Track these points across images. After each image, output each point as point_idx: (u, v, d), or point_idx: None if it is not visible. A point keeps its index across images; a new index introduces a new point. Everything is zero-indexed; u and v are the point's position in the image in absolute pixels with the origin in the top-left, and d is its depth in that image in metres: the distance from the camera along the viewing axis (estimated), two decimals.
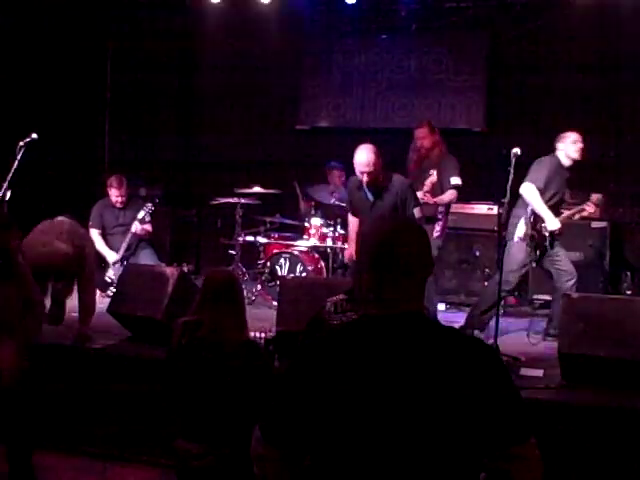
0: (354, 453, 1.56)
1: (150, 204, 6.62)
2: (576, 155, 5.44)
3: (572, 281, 5.32)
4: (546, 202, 5.38)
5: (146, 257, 6.63)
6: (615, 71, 7.20)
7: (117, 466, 4.39)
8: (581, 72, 7.31)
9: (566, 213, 5.57)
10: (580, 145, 5.43)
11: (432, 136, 5.90)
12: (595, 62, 7.28)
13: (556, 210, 5.45)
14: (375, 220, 1.78)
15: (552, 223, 5.35)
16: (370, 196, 4.99)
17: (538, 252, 5.40)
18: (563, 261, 5.45)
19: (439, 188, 5.67)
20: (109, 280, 6.43)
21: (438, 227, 5.72)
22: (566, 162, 5.46)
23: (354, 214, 5.22)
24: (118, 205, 6.69)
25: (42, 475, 3.74)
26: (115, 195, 6.63)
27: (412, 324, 1.62)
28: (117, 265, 6.42)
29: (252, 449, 1.73)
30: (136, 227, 6.55)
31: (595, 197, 5.69)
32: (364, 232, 1.75)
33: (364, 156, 4.86)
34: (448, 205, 5.83)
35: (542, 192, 5.38)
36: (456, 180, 5.72)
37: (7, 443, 3.56)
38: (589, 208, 5.53)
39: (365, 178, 4.87)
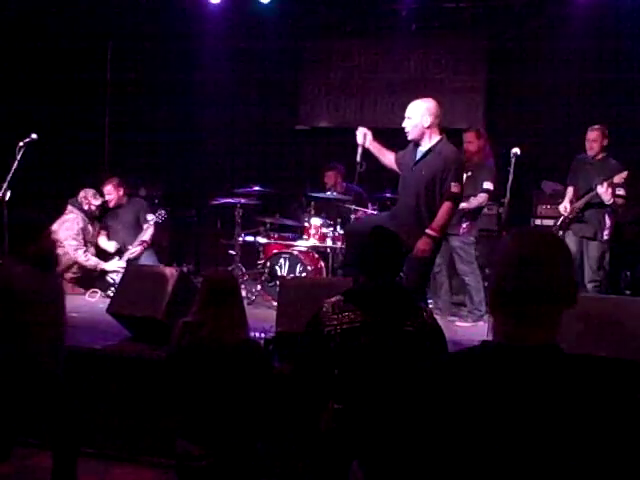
0: None
1: (164, 212, 6.72)
2: (588, 152, 5.80)
3: None
4: (579, 195, 5.81)
5: (146, 258, 6.68)
6: (615, 70, 7.20)
7: (117, 466, 4.40)
8: (581, 72, 7.33)
9: (581, 200, 5.77)
10: (588, 141, 5.78)
11: (478, 141, 6.00)
12: (594, 61, 7.29)
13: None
14: (513, 235, 1.52)
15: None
16: (416, 157, 4.71)
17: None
18: None
19: (472, 190, 5.74)
20: (111, 281, 6.44)
21: (464, 225, 5.83)
22: (589, 153, 5.84)
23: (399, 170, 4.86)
24: (111, 205, 6.83)
25: (42, 476, 3.74)
26: (107, 193, 6.82)
27: (549, 360, 1.43)
28: (120, 267, 6.45)
29: None
30: (148, 235, 6.70)
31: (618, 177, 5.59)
32: (500, 251, 1.53)
33: (411, 103, 4.72)
34: (480, 207, 5.96)
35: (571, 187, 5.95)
36: (488, 185, 5.85)
37: (54, 443, 3.56)
38: (600, 189, 5.56)
39: (404, 124, 4.69)
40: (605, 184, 5.50)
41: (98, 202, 6.76)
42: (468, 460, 1.37)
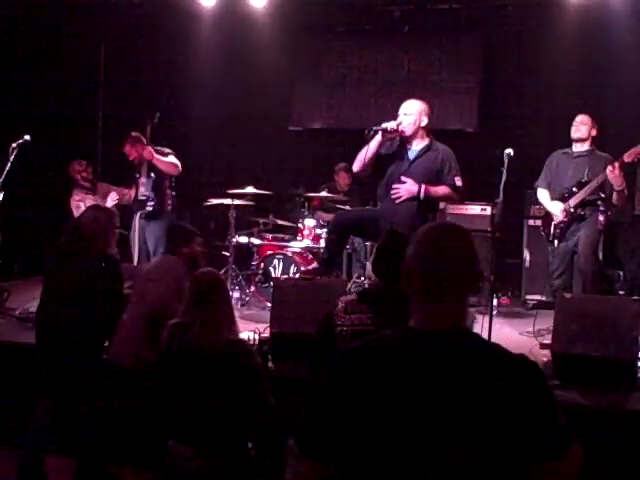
0: (391, 469, 1.53)
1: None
2: (573, 135, 5.47)
3: (556, 281, 5.43)
4: (562, 194, 5.46)
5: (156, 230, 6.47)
6: (609, 71, 7.22)
7: (113, 468, 4.38)
8: (574, 73, 7.34)
9: (582, 191, 5.33)
10: (575, 126, 5.46)
11: None
12: (588, 63, 7.30)
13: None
14: (426, 227, 1.70)
15: (555, 214, 5.45)
16: (410, 156, 4.79)
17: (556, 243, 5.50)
18: (553, 259, 5.51)
19: None
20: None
21: None
22: (574, 147, 5.51)
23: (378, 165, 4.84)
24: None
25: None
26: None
27: (455, 340, 1.59)
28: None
29: (288, 465, 1.63)
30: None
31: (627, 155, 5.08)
32: (414, 239, 1.69)
33: (408, 102, 4.80)
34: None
35: (549, 188, 5.58)
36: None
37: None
38: (609, 171, 5.07)
39: (402, 120, 4.71)
40: (616, 164, 5.05)
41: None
42: (378, 441, 1.52)
